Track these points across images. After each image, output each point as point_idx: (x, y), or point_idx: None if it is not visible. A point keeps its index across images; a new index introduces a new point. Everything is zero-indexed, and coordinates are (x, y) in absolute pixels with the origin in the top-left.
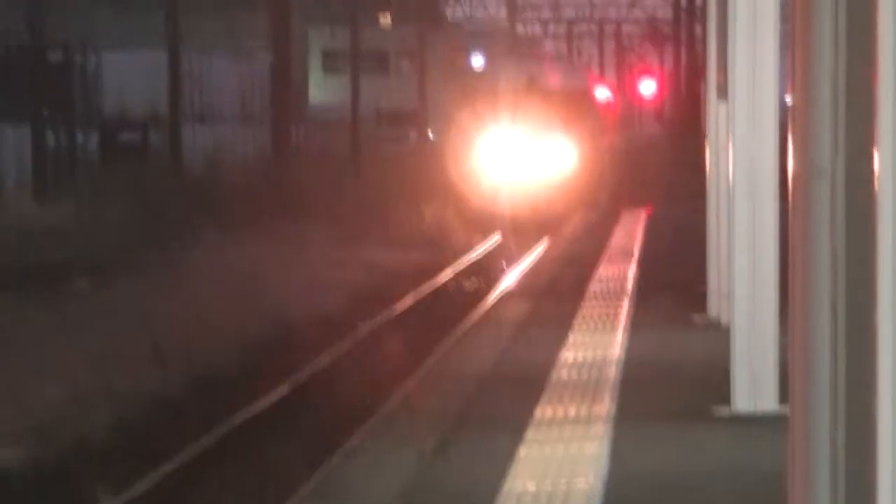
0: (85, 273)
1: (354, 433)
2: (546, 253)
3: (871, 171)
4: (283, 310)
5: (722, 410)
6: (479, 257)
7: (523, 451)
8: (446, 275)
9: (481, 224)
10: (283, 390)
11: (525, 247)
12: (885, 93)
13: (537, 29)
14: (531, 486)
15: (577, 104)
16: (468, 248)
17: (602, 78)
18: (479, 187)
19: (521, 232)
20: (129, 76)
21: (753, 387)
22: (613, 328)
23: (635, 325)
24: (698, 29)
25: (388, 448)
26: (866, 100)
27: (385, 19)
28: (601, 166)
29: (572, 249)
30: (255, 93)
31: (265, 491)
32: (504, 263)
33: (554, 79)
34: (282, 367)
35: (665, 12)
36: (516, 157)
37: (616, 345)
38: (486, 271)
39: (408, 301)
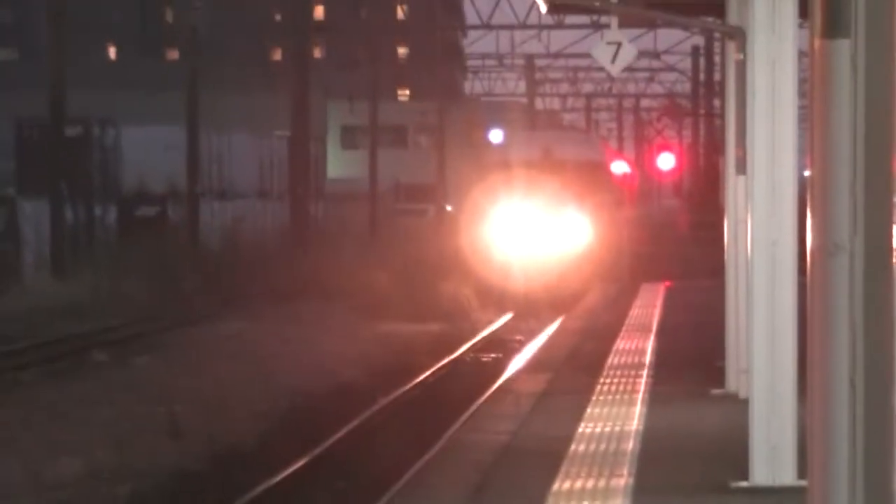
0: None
1: None
2: (563, 327)
3: (890, 247)
4: (297, 383)
5: (740, 483)
6: (492, 333)
7: None
8: (458, 351)
9: (496, 299)
10: (302, 462)
11: (540, 322)
12: None
13: (556, 104)
14: None
15: (592, 176)
16: (484, 324)
17: (620, 152)
18: (493, 262)
19: (536, 307)
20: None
21: (772, 460)
22: (632, 401)
23: (654, 398)
24: (716, 103)
25: None
26: (884, 176)
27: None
28: (618, 240)
29: (590, 323)
30: (275, 168)
31: None
32: (520, 338)
33: (569, 150)
34: (301, 439)
35: (683, 87)
36: (531, 230)
37: (635, 417)
38: (501, 347)
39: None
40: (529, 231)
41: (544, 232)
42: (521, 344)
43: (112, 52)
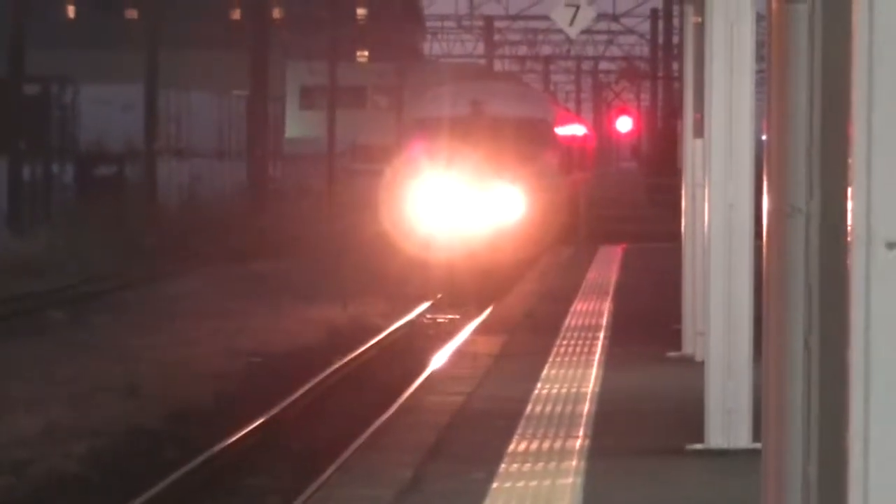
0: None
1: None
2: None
3: (846, 210)
4: (234, 349)
5: (695, 446)
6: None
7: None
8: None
9: (417, 281)
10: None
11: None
12: (860, 132)
13: (516, 66)
14: None
15: (531, 136)
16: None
17: (576, 113)
18: (415, 237)
19: (463, 293)
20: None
21: (727, 423)
22: (589, 363)
23: (610, 360)
24: (675, 66)
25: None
26: (841, 139)
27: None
28: (562, 209)
29: (544, 287)
30: (233, 127)
31: None
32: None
33: (503, 105)
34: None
35: (642, 50)
36: (455, 201)
37: (591, 378)
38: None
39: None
40: (454, 203)
41: (472, 204)
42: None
43: (70, 10)
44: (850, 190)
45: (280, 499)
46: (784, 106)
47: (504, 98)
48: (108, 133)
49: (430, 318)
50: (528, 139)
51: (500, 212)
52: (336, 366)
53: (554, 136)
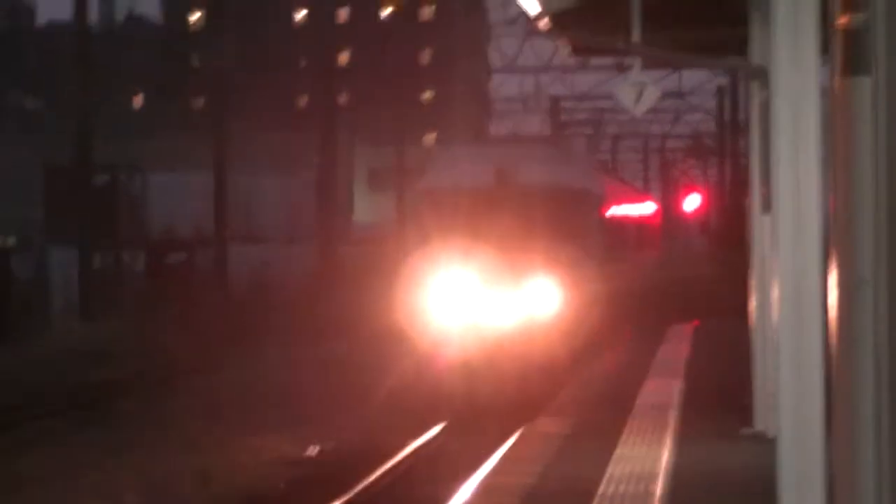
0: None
1: None
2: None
3: None
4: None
5: None
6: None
7: None
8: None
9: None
10: None
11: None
12: None
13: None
14: None
15: (568, 211)
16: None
17: (647, 192)
18: (424, 340)
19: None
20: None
21: (801, 499)
22: (664, 440)
23: (679, 438)
24: (741, 142)
25: None
26: None
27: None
28: (614, 296)
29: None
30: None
31: None
32: None
33: (532, 173)
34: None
35: (708, 126)
36: (471, 297)
37: (666, 459)
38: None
39: None
40: (469, 299)
41: (491, 299)
42: None
43: (137, 100)
44: None
45: None
46: (849, 178)
47: (536, 163)
48: (177, 220)
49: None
50: (566, 215)
51: (527, 308)
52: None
53: (600, 210)
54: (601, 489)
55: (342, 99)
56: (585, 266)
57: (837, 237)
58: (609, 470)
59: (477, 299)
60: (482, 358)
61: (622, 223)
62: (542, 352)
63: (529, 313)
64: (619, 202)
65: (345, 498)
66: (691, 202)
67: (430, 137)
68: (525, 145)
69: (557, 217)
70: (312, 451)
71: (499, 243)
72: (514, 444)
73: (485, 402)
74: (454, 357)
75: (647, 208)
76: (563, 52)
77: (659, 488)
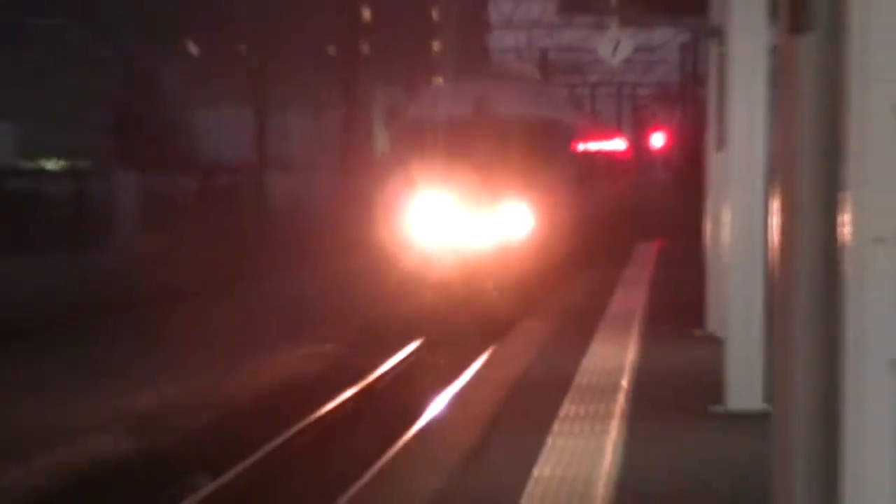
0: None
1: None
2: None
3: (841, 213)
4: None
5: (717, 408)
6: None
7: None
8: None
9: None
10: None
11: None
12: (855, 142)
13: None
14: (559, 472)
15: (543, 141)
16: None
17: (620, 131)
18: (405, 260)
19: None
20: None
21: (743, 389)
22: (630, 339)
23: (643, 338)
24: (700, 91)
25: None
26: (836, 148)
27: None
28: (585, 222)
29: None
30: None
31: None
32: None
33: (509, 105)
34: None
35: (674, 76)
36: (450, 219)
37: (633, 354)
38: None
39: None
40: (448, 221)
41: (468, 220)
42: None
43: (193, 47)
44: (846, 193)
45: None
46: (792, 121)
47: (512, 96)
48: (224, 150)
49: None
50: (538, 144)
51: (503, 229)
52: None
53: (570, 141)
54: (576, 379)
55: (365, 49)
56: (557, 191)
57: (779, 171)
58: (583, 363)
59: (455, 222)
60: (459, 276)
61: (595, 155)
62: (516, 270)
63: (504, 234)
64: (594, 138)
65: (361, 384)
66: (658, 140)
67: (438, 81)
68: (502, 80)
69: (530, 146)
70: (327, 347)
71: (476, 170)
72: (505, 342)
73: (462, 318)
74: (434, 275)
75: (620, 144)
76: (550, 11)
77: (624, 378)
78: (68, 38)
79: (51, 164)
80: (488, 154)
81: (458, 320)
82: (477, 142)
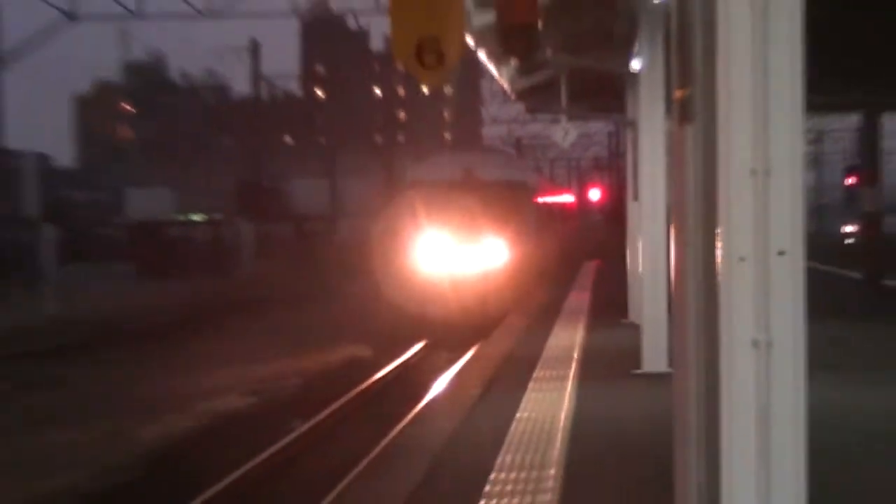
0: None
1: None
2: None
3: (715, 241)
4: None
5: (636, 371)
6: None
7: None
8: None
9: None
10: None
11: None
12: (722, 194)
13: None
14: (534, 415)
15: (513, 196)
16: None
17: (569, 188)
18: (407, 285)
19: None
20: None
21: (654, 357)
22: (580, 327)
23: (588, 326)
24: (622, 161)
25: None
26: (711, 198)
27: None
28: (547, 252)
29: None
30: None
31: None
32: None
33: (488, 171)
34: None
35: (604, 152)
36: (447, 251)
37: (581, 336)
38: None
39: None
40: (445, 254)
41: (461, 252)
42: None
43: (288, 138)
44: (719, 228)
45: None
46: (680, 182)
47: (492, 164)
48: (309, 206)
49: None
50: (511, 199)
51: (485, 259)
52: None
53: (533, 196)
54: (544, 354)
55: (400, 137)
56: (525, 231)
57: (674, 214)
58: (548, 343)
59: (450, 254)
60: (454, 294)
61: (550, 206)
62: (494, 288)
63: (486, 264)
64: (550, 193)
65: (384, 371)
66: (594, 194)
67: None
68: (483, 153)
69: (505, 200)
70: (370, 339)
71: (465, 216)
72: (493, 333)
73: (458, 320)
74: (438, 294)
75: (568, 198)
76: (522, 110)
77: (575, 351)
78: (208, 135)
79: (196, 217)
80: (474, 205)
81: (456, 323)
82: (465, 197)
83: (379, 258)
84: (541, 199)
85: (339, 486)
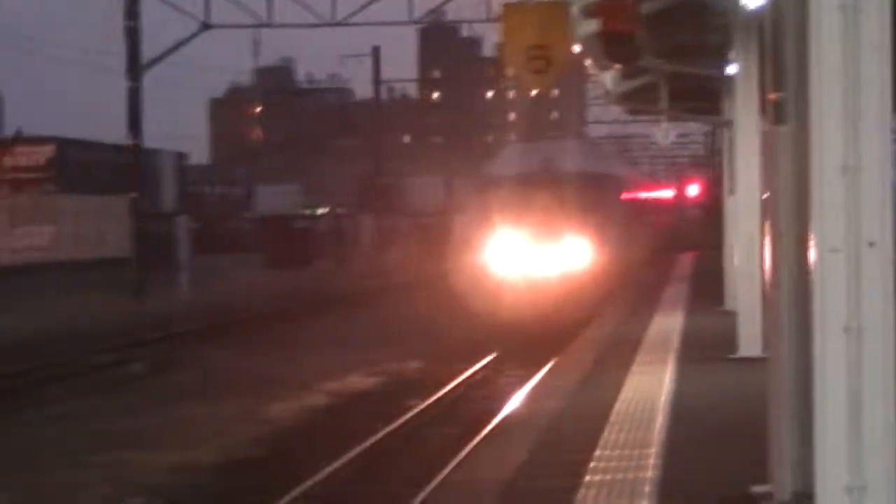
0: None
1: None
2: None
3: (807, 232)
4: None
5: (732, 355)
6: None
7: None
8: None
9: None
10: None
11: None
12: (815, 190)
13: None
14: (637, 395)
15: (597, 189)
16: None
17: (668, 184)
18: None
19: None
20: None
21: (749, 342)
22: (679, 313)
23: (686, 313)
24: (718, 159)
25: None
26: (803, 194)
27: None
28: (634, 253)
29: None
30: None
31: None
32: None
33: (569, 162)
34: None
35: (702, 151)
36: (524, 251)
37: (681, 322)
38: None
39: None
40: (522, 255)
41: (535, 254)
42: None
43: (406, 138)
44: (805, 220)
45: None
46: (774, 178)
47: (572, 155)
48: (424, 201)
49: None
50: (593, 193)
51: (564, 260)
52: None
53: (620, 189)
54: (645, 338)
55: (511, 137)
56: (608, 229)
57: (769, 210)
58: (650, 328)
59: (528, 255)
60: (532, 298)
61: (644, 200)
62: (573, 292)
63: (565, 266)
64: (647, 188)
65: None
66: (693, 189)
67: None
68: (562, 141)
69: (587, 195)
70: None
71: (541, 213)
72: (602, 312)
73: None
74: (510, 300)
75: (667, 193)
76: (624, 112)
77: (677, 334)
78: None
79: (320, 211)
80: (553, 201)
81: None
82: (544, 192)
83: (459, 259)
84: (630, 194)
85: (459, 455)
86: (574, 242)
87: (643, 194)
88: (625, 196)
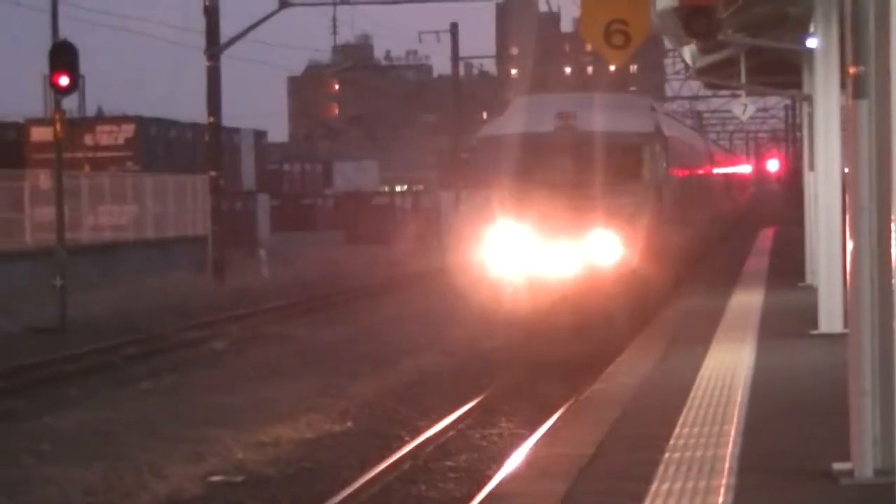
0: None
1: None
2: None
3: (889, 207)
4: None
5: (813, 331)
6: None
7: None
8: None
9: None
10: None
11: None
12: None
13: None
14: (716, 372)
15: (635, 158)
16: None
17: (746, 159)
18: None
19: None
20: None
21: (830, 318)
22: (759, 289)
23: (767, 289)
24: (798, 133)
25: None
26: (885, 179)
27: None
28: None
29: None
30: None
31: None
32: None
33: (597, 119)
34: None
35: (780, 125)
36: (533, 247)
37: (760, 298)
38: None
39: None
40: (528, 252)
41: (551, 251)
42: None
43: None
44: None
45: None
46: (855, 153)
47: (601, 109)
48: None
49: None
50: (628, 162)
51: (586, 255)
52: None
53: (666, 159)
54: (725, 314)
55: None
56: (647, 214)
57: (849, 185)
58: (730, 303)
59: (536, 252)
60: (544, 312)
61: (707, 173)
62: (597, 297)
63: (590, 264)
64: (726, 164)
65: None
66: (772, 165)
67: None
68: (586, 93)
69: (619, 164)
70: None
71: (559, 193)
72: (676, 292)
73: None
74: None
75: (745, 168)
76: (702, 87)
77: (758, 308)
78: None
79: (399, 188)
80: (572, 175)
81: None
82: (560, 159)
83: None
84: (683, 162)
85: (538, 432)
86: (598, 234)
87: (712, 169)
88: (683, 167)
